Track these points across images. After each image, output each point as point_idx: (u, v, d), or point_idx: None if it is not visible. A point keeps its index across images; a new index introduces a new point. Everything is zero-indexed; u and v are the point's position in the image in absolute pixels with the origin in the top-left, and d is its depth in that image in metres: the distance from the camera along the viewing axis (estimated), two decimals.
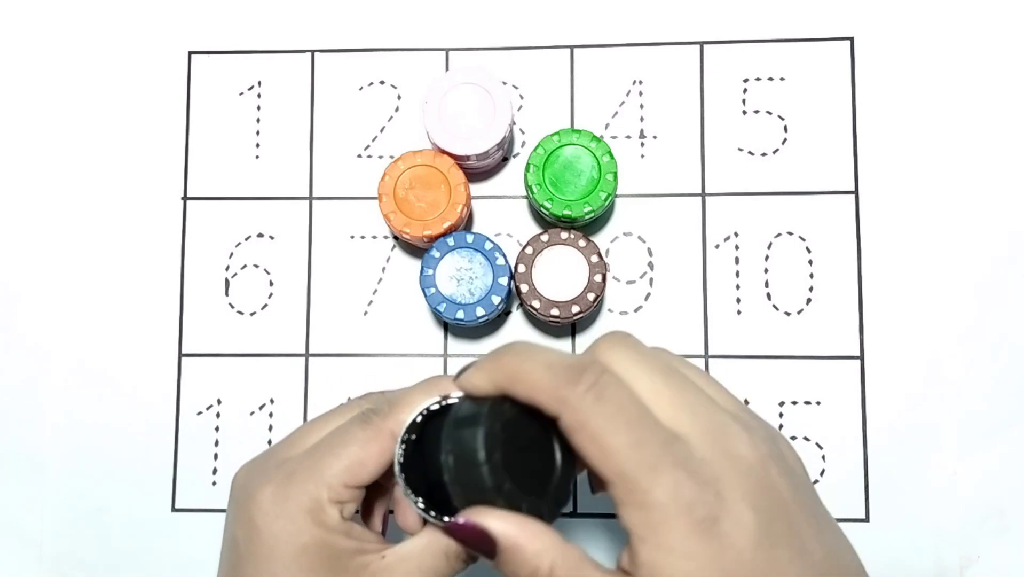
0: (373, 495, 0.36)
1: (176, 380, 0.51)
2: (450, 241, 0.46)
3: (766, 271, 0.50)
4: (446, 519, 0.31)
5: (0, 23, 0.53)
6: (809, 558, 0.28)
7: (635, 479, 0.27)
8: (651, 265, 0.50)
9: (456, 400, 0.32)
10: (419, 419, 0.32)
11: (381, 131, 0.52)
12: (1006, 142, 0.50)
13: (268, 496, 0.32)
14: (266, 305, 0.51)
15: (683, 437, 0.28)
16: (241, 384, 0.51)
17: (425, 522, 0.33)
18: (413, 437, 0.32)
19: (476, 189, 0.51)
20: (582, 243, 0.46)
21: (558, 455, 0.31)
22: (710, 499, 0.27)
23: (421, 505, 0.31)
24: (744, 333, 0.50)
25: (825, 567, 0.28)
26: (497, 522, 0.29)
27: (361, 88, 0.52)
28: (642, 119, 0.51)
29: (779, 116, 0.51)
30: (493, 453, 0.29)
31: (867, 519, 0.48)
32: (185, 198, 0.52)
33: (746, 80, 0.51)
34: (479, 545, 0.29)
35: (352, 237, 0.51)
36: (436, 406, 0.32)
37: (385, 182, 0.47)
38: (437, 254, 0.46)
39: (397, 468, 0.32)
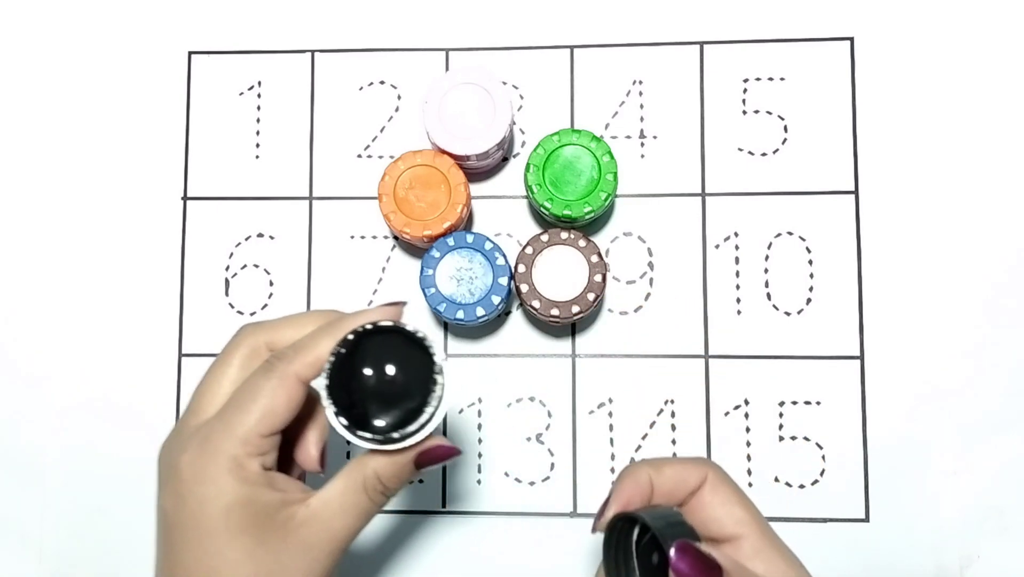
0: (291, 444, 0.36)
1: (176, 380, 0.51)
2: (450, 241, 0.46)
3: (766, 271, 0.50)
4: (417, 437, 0.32)
5: (0, 23, 0.53)
6: None
7: None
8: (651, 265, 0.50)
9: (367, 328, 0.32)
10: (332, 359, 0.32)
11: (381, 131, 0.52)
12: (1006, 142, 0.50)
13: (187, 463, 0.32)
14: (266, 305, 0.51)
15: None
16: None
17: (323, 453, 0.36)
18: (334, 367, 0.32)
19: (476, 189, 0.51)
20: (582, 243, 0.46)
21: None
22: None
23: (344, 423, 0.32)
24: (744, 333, 0.50)
25: None
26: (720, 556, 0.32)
27: (361, 88, 0.52)
28: (642, 119, 0.51)
29: (779, 116, 0.51)
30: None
31: (867, 519, 0.48)
32: (185, 198, 0.52)
33: (746, 80, 0.51)
34: (447, 457, 0.33)
35: (352, 237, 0.51)
36: (352, 336, 0.32)
37: (385, 182, 0.47)
38: (437, 254, 0.46)
39: (327, 404, 0.32)
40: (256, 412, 0.32)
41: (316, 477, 0.37)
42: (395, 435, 0.31)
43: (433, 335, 0.36)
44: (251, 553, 0.32)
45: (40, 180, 0.52)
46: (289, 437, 0.36)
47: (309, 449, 0.36)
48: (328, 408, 0.32)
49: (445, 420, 0.50)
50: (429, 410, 0.32)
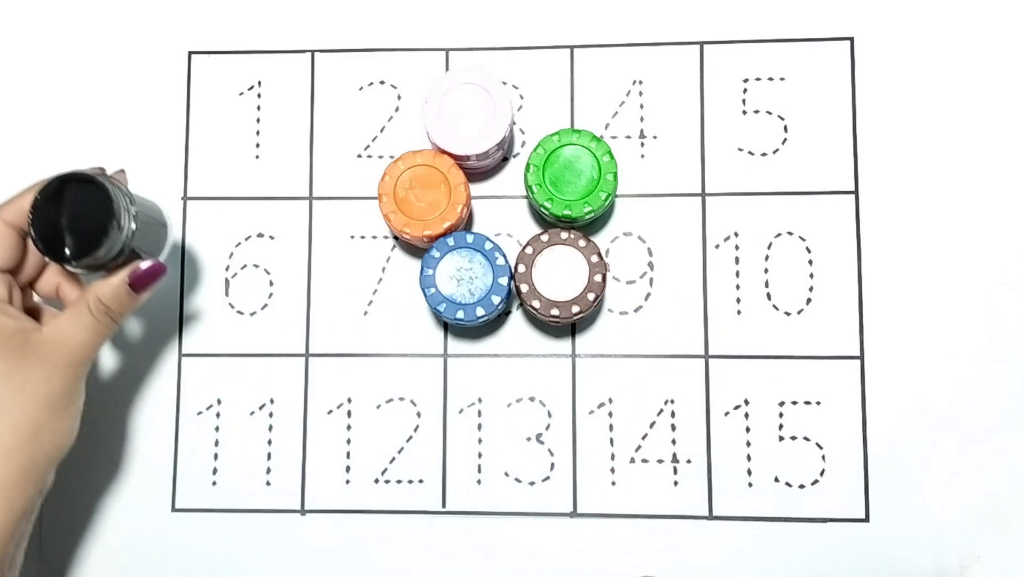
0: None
1: (176, 380, 0.51)
2: (450, 241, 0.46)
3: (766, 271, 0.50)
4: (101, 256, 0.40)
5: (1, 23, 0.53)
6: None
7: None
8: (651, 265, 0.50)
9: (64, 177, 0.40)
10: (36, 199, 0.40)
11: (381, 131, 0.52)
12: (1006, 142, 0.50)
13: None
14: (266, 305, 0.51)
15: None
16: (241, 384, 0.51)
17: (59, 293, 0.43)
18: (37, 206, 0.40)
19: (476, 189, 0.51)
20: (582, 243, 0.46)
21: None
22: None
23: (44, 249, 0.40)
24: (744, 333, 0.50)
25: None
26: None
27: (361, 88, 0.52)
28: (642, 119, 0.51)
29: (779, 116, 0.51)
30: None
31: (867, 519, 0.48)
32: (185, 198, 0.52)
33: (746, 80, 0.51)
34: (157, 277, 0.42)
35: (352, 237, 0.51)
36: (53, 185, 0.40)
37: (385, 182, 0.47)
38: (437, 254, 0.46)
39: (33, 236, 0.40)
40: None
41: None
42: (88, 260, 0.40)
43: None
44: None
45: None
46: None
47: (68, 295, 0.43)
48: (35, 241, 0.40)
49: (445, 418, 0.50)
50: (114, 235, 0.40)
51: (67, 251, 0.40)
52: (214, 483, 0.50)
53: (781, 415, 0.49)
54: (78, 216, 0.40)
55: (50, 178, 0.40)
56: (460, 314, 0.46)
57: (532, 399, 0.50)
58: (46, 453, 0.40)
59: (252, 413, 0.50)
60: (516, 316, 0.50)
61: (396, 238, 0.51)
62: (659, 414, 0.49)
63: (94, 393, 0.51)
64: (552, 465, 0.49)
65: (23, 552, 0.41)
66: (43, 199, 0.40)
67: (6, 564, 0.40)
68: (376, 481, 0.50)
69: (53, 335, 0.40)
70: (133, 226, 0.41)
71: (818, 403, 0.49)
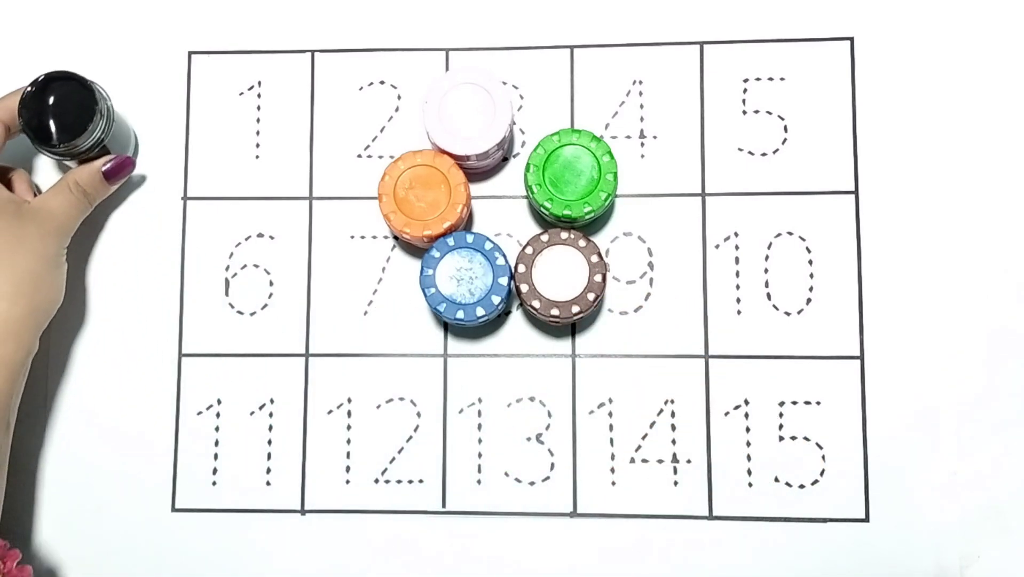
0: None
1: (176, 380, 0.51)
2: (450, 241, 0.46)
3: (766, 271, 0.50)
4: (83, 146, 0.47)
5: (1, 23, 0.53)
6: None
7: None
8: (651, 265, 0.50)
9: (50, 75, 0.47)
10: (28, 89, 0.46)
11: (381, 131, 0.52)
12: (1006, 141, 0.50)
13: None
14: (266, 305, 0.51)
15: None
16: (241, 384, 0.51)
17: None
18: (26, 100, 0.47)
19: (476, 189, 0.51)
20: (582, 243, 0.46)
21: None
22: None
23: (32, 136, 0.47)
24: (744, 333, 0.50)
25: None
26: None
27: (361, 88, 0.52)
28: (642, 119, 0.51)
29: (779, 116, 0.51)
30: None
31: (867, 519, 0.48)
32: (185, 198, 0.52)
33: (746, 80, 0.51)
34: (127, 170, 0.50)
35: (352, 237, 0.51)
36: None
37: (385, 182, 0.47)
38: (437, 254, 0.46)
39: (22, 125, 0.46)
40: None
41: None
42: (69, 146, 0.47)
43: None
44: None
45: (40, 180, 0.52)
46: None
47: (23, 195, 0.49)
48: (24, 128, 0.46)
49: (445, 418, 0.50)
50: (94, 127, 0.47)
51: (52, 138, 0.46)
52: (214, 483, 0.50)
53: (781, 415, 0.49)
54: (63, 109, 0.47)
55: (38, 76, 0.47)
56: (460, 314, 0.46)
57: (532, 399, 0.50)
58: (45, 300, 0.46)
59: (252, 413, 0.50)
60: (516, 316, 0.50)
61: (396, 238, 0.51)
62: (659, 414, 0.49)
63: (94, 392, 0.51)
64: (552, 465, 0.49)
65: (18, 403, 0.47)
66: (33, 93, 0.47)
67: (14, 400, 0.46)
68: (376, 481, 0.50)
69: (41, 205, 0.47)
70: (110, 123, 0.48)
71: (818, 403, 0.49)
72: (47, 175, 0.53)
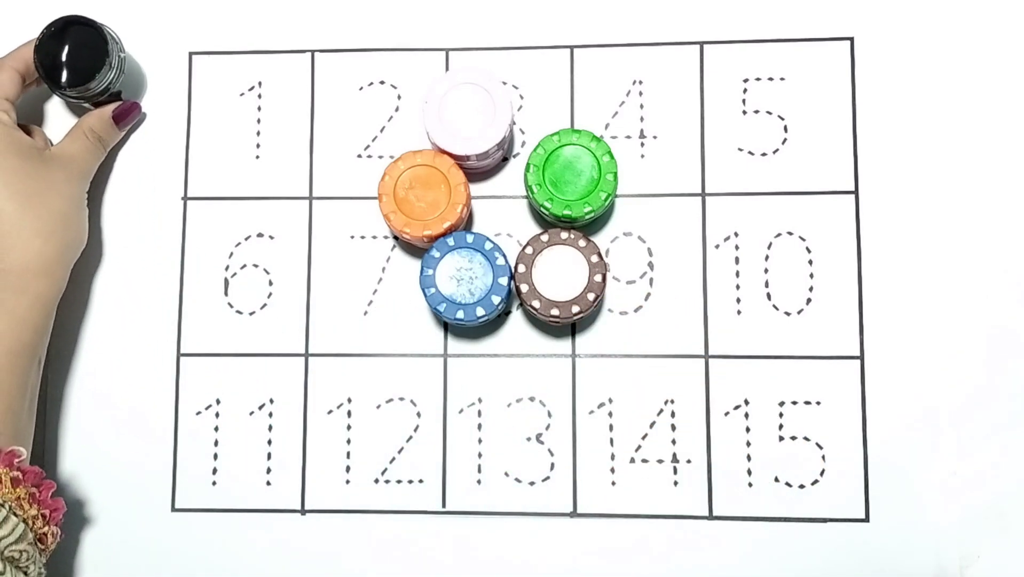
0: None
1: (175, 380, 0.51)
2: (450, 241, 0.46)
3: (766, 271, 0.50)
4: (95, 89, 0.49)
5: (1, 23, 0.53)
6: None
7: None
8: (651, 265, 0.50)
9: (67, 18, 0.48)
10: (42, 32, 0.48)
11: (381, 131, 0.52)
12: (1006, 141, 0.50)
13: None
14: (266, 305, 0.51)
15: None
16: (240, 384, 0.51)
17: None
18: (42, 42, 0.48)
19: (476, 189, 0.51)
20: (582, 243, 0.46)
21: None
22: None
23: (46, 77, 0.48)
24: (744, 333, 0.50)
25: None
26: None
27: (361, 88, 0.52)
28: (642, 119, 0.51)
29: (779, 116, 0.51)
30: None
31: (867, 519, 0.48)
32: (185, 198, 0.52)
33: (746, 80, 0.51)
34: (134, 114, 0.51)
35: (352, 237, 0.51)
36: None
37: (385, 182, 0.47)
38: (437, 254, 0.46)
39: (38, 67, 0.48)
40: None
41: None
42: (81, 89, 0.48)
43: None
44: (20, 168, 0.46)
45: (52, 127, 0.52)
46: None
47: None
48: (38, 68, 0.48)
49: (445, 418, 0.50)
50: (105, 72, 0.48)
51: (63, 80, 0.48)
52: (214, 483, 0.50)
53: (781, 415, 0.49)
54: (77, 53, 0.48)
55: (56, 19, 0.48)
56: (460, 314, 0.46)
57: (532, 399, 0.50)
58: (75, 239, 0.48)
59: (252, 413, 0.50)
60: (516, 316, 0.50)
61: (396, 238, 0.51)
62: (659, 414, 0.49)
63: (93, 391, 0.51)
64: (552, 465, 0.49)
65: (47, 341, 0.48)
66: (48, 35, 0.48)
67: (46, 338, 0.47)
68: (376, 481, 0.50)
69: (61, 151, 0.48)
70: (121, 70, 0.49)
71: (818, 403, 0.49)
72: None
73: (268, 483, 0.50)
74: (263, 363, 0.51)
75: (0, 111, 0.47)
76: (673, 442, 0.49)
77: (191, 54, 0.53)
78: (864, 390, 0.49)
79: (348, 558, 0.49)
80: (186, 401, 0.51)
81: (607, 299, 0.50)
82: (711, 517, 0.49)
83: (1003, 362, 0.49)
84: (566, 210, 0.46)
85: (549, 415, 0.50)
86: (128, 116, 0.51)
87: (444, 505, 0.49)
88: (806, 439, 0.49)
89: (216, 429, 0.50)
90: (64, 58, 0.48)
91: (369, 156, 0.52)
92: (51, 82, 0.48)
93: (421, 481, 0.50)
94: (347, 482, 0.50)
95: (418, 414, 0.50)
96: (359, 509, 0.49)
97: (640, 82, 0.51)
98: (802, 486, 0.48)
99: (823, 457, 0.49)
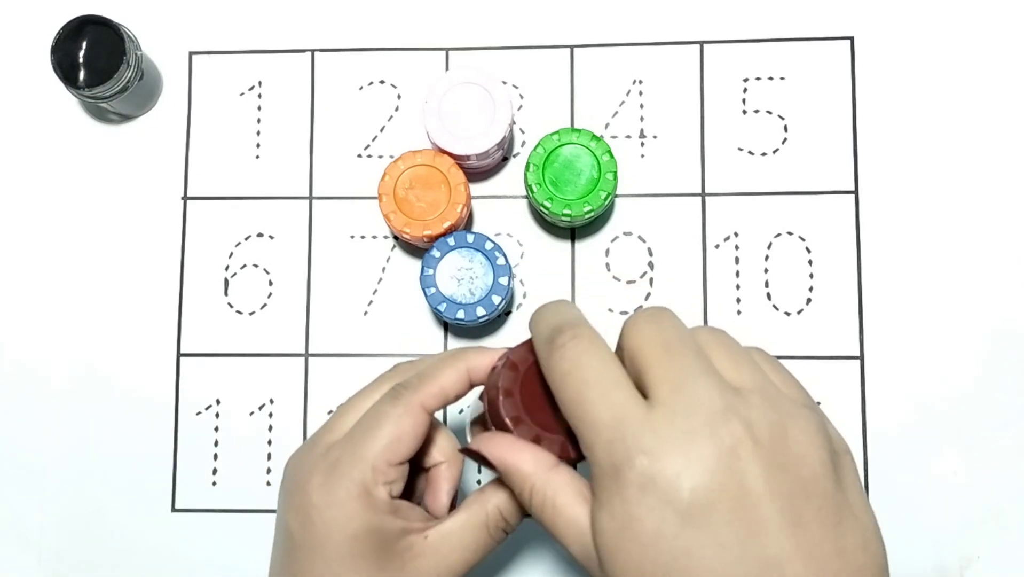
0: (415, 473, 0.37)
1: (175, 380, 0.51)
2: (450, 241, 0.46)
3: (766, 271, 0.50)
4: (108, 91, 0.47)
5: (10, 24, 0.53)
6: (729, 551, 0.26)
7: (579, 433, 0.29)
8: (651, 265, 0.50)
9: (83, 18, 0.47)
10: (61, 32, 0.47)
11: (381, 131, 0.52)
12: (1006, 141, 0.50)
13: (317, 486, 0.33)
14: (265, 305, 0.51)
15: (653, 405, 0.28)
16: (240, 384, 0.51)
17: (453, 501, 0.37)
18: (59, 39, 0.47)
19: (476, 189, 0.51)
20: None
21: None
22: (644, 464, 0.26)
23: (62, 76, 0.47)
24: (744, 333, 0.49)
25: (748, 556, 0.26)
26: (492, 446, 0.32)
27: (361, 88, 0.52)
28: (642, 119, 0.51)
29: (779, 116, 0.51)
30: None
31: None
32: (185, 198, 0.52)
33: (746, 80, 0.51)
34: (484, 464, 0.32)
35: (352, 237, 0.51)
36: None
37: (385, 182, 0.47)
38: (437, 254, 0.46)
39: (54, 66, 0.47)
40: (383, 438, 0.33)
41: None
42: (98, 90, 0.47)
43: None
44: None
45: (40, 180, 0.52)
46: (415, 467, 0.36)
47: (440, 497, 0.37)
48: (55, 69, 0.47)
49: (445, 418, 0.50)
50: (122, 69, 0.47)
51: (81, 80, 0.47)
52: (214, 483, 0.50)
53: None
54: (94, 52, 0.47)
55: (72, 18, 0.47)
56: (460, 314, 0.46)
57: None
58: None
59: (252, 413, 0.50)
60: (516, 316, 0.50)
61: (396, 238, 0.51)
62: None
63: (93, 391, 0.51)
64: None
65: None
66: (64, 35, 0.47)
67: None
68: None
69: (439, 547, 0.34)
70: (139, 68, 0.48)
71: (818, 403, 0.49)
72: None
73: (268, 483, 0.50)
74: (263, 363, 0.51)
75: (378, 481, 0.33)
76: None
77: (191, 54, 0.53)
78: (864, 390, 0.49)
79: None
80: (186, 401, 0.51)
81: (607, 299, 0.50)
82: None
83: (1003, 362, 0.49)
84: (566, 209, 0.46)
85: None
86: None
87: None
88: None
89: (216, 429, 0.50)
90: (81, 58, 0.47)
91: (369, 156, 0.52)
92: (68, 83, 0.47)
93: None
94: None
95: None
96: None
97: (640, 82, 0.51)
98: None
99: None
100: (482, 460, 0.32)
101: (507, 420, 0.32)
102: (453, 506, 0.37)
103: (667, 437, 0.27)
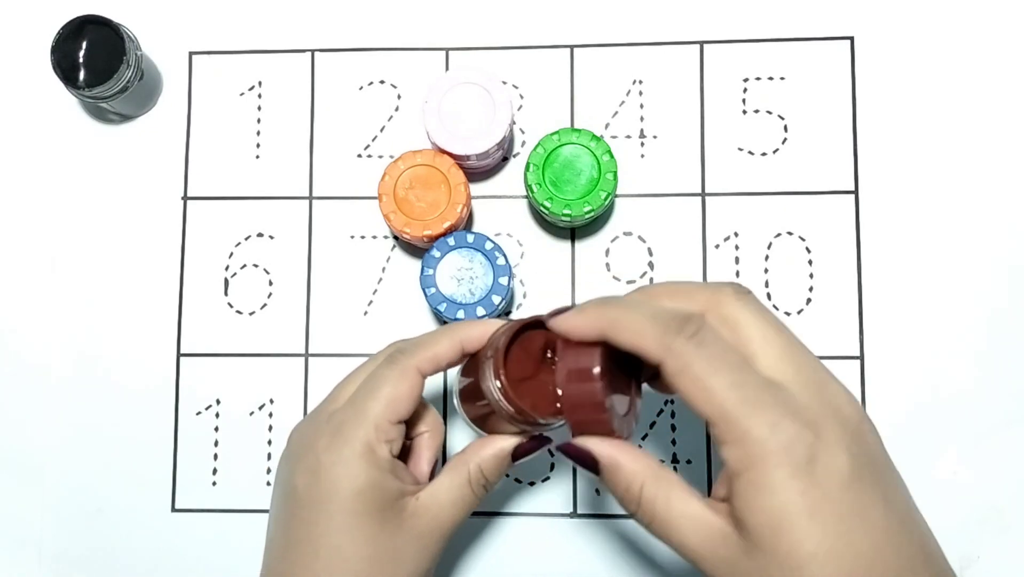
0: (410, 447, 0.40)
1: (175, 380, 0.51)
2: (450, 241, 0.46)
3: (766, 271, 0.50)
4: (111, 90, 0.47)
5: (10, 24, 0.53)
6: (892, 506, 0.31)
7: (735, 417, 0.29)
8: (651, 265, 0.50)
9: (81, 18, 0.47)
10: (61, 33, 0.47)
11: (381, 131, 0.52)
12: (1006, 141, 0.50)
13: (324, 447, 0.36)
14: (265, 305, 0.51)
15: (784, 384, 0.30)
16: (240, 384, 0.51)
17: (432, 469, 0.40)
18: (58, 40, 0.47)
19: (476, 189, 0.51)
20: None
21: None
22: (809, 439, 0.29)
23: (63, 79, 0.47)
24: None
25: (905, 516, 0.31)
26: (601, 446, 0.33)
27: (361, 88, 0.52)
28: (642, 119, 0.51)
29: (779, 116, 0.51)
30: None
31: None
32: (185, 198, 0.52)
33: (746, 80, 0.51)
34: (586, 464, 0.33)
35: (352, 237, 0.51)
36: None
37: (385, 182, 0.47)
38: (437, 254, 0.46)
39: (55, 67, 0.47)
40: (383, 399, 0.36)
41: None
42: (99, 90, 0.47)
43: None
44: (373, 535, 0.35)
45: (40, 180, 0.52)
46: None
47: (421, 464, 0.40)
48: (55, 69, 0.47)
49: (445, 418, 0.50)
50: (122, 69, 0.47)
51: (82, 80, 0.47)
52: (214, 483, 0.50)
53: None
54: (94, 52, 0.47)
55: (72, 18, 0.47)
56: (460, 314, 0.46)
57: None
58: None
59: (252, 413, 0.50)
60: (516, 316, 0.50)
61: (396, 238, 0.51)
62: (659, 414, 0.49)
63: (93, 391, 0.51)
64: (552, 465, 0.49)
65: None
66: (65, 35, 0.47)
67: None
68: None
69: (429, 504, 0.37)
70: (139, 68, 0.48)
71: None
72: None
73: (268, 483, 0.50)
74: (263, 363, 0.51)
75: (380, 440, 0.36)
76: (673, 442, 0.49)
77: (191, 54, 0.53)
78: (864, 390, 0.49)
79: None
80: (186, 401, 0.51)
81: None
82: None
83: (1002, 362, 0.49)
84: (566, 209, 0.46)
85: None
86: (532, 453, 0.39)
87: None
88: None
89: (216, 429, 0.50)
90: (81, 58, 0.47)
91: (369, 156, 0.52)
92: (68, 83, 0.47)
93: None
94: None
95: None
96: None
97: (640, 82, 0.51)
98: None
99: None
100: (584, 458, 0.33)
101: (603, 410, 0.32)
102: (433, 475, 0.39)
103: (820, 413, 0.30)
